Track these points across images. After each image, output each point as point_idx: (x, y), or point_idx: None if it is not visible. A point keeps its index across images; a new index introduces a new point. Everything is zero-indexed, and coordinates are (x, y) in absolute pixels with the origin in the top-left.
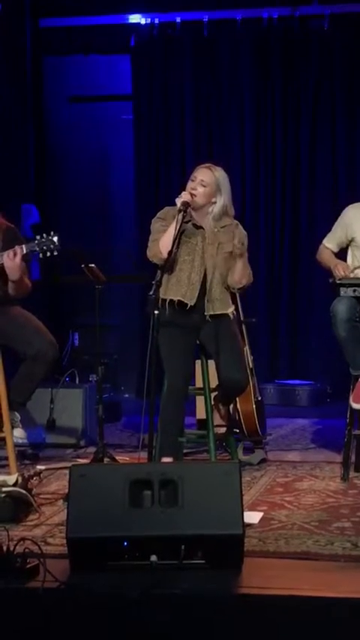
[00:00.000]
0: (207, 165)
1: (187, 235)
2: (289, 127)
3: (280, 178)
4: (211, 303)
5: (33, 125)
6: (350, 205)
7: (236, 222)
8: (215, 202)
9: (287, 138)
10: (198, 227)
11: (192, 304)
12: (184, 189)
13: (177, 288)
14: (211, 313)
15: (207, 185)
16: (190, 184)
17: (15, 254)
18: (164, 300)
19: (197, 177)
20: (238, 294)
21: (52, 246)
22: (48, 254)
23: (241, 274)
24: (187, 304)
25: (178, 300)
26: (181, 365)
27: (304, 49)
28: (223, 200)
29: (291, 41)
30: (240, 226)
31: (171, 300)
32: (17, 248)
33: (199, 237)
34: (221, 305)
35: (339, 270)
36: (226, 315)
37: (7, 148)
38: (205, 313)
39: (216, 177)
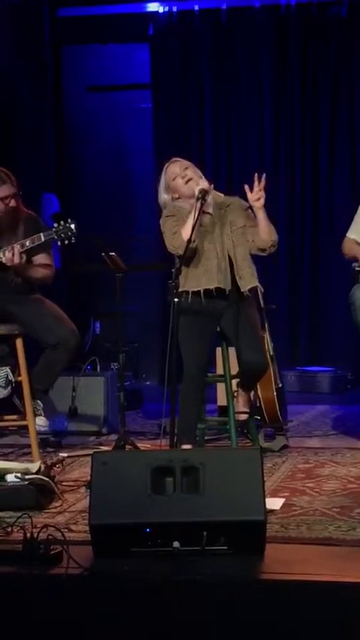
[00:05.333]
0: (173, 160)
1: (204, 225)
2: (308, 115)
3: (299, 166)
4: (242, 279)
5: (52, 114)
6: None
7: (236, 197)
8: None
9: (306, 126)
10: (207, 213)
11: (229, 289)
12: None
13: (208, 277)
14: (246, 288)
15: (193, 169)
16: (179, 180)
17: (12, 254)
18: (197, 291)
19: (179, 171)
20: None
21: (69, 233)
22: (66, 241)
23: (267, 230)
24: (224, 290)
25: (216, 288)
26: (197, 352)
27: (323, 36)
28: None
29: (309, 28)
30: (240, 199)
31: (206, 290)
32: (14, 245)
33: (213, 224)
34: (251, 278)
35: None
36: (248, 298)
37: (27, 138)
38: (242, 290)
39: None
